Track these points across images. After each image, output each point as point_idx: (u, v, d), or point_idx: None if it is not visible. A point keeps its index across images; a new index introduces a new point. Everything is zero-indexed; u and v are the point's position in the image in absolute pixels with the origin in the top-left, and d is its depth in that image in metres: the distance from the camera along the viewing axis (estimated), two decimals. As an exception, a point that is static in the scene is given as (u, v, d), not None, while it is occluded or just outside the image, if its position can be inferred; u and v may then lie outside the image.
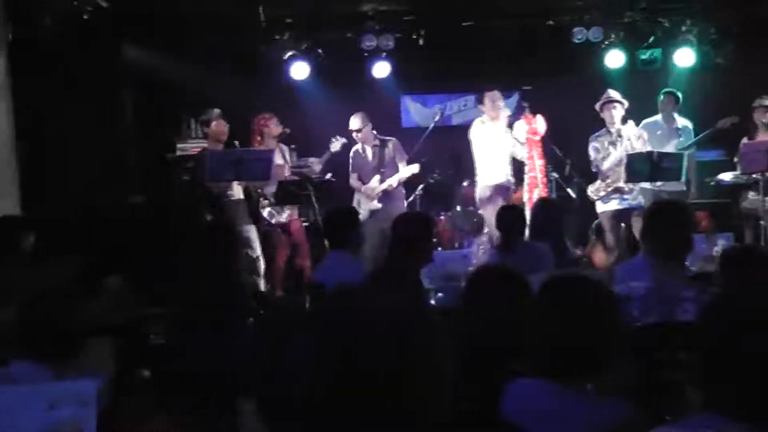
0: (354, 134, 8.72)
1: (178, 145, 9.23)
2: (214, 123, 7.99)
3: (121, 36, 8.91)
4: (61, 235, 6.05)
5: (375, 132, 8.79)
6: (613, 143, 8.02)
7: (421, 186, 9.41)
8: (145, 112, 9.23)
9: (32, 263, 5.69)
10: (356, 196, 8.82)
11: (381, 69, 9.85)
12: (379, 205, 8.64)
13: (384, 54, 9.75)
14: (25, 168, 7.60)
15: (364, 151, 8.81)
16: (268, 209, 8.45)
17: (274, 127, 8.52)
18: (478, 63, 10.08)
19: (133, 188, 8.91)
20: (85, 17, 8.10)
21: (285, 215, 8.58)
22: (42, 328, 3.68)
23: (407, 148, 8.96)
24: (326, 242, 6.27)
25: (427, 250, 5.13)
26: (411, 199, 9.38)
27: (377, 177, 8.67)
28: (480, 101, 8.60)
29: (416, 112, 11.03)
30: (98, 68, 8.36)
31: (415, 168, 8.73)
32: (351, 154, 8.86)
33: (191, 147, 9.03)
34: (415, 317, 1.57)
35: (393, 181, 8.66)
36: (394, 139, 8.87)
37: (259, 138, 8.51)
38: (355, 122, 8.68)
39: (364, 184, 8.73)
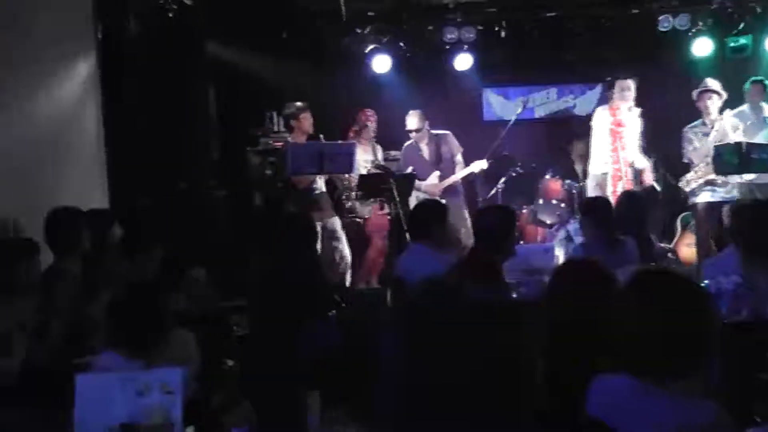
0: (412, 134, 8.63)
1: (261, 140, 9.33)
2: (300, 116, 8.06)
3: (204, 32, 9.05)
4: (148, 228, 6.16)
5: (429, 127, 8.67)
6: (707, 134, 7.81)
7: (502, 179, 9.31)
8: (229, 107, 9.35)
9: (120, 256, 5.82)
10: (414, 194, 8.51)
11: (462, 61, 9.79)
12: (443, 202, 8.54)
13: (465, 46, 9.68)
14: (113, 162, 7.78)
15: (418, 146, 8.68)
16: (350, 202, 8.49)
17: (370, 124, 8.57)
18: (560, 54, 9.95)
19: (217, 182, 9.05)
20: (170, 15, 8.26)
21: (367, 209, 8.60)
22: (130, 319, 3.77)
23: (488, 141, 8.88)
24: (407, 235, 6.26)
25: (510, 243, 5.08)
26: (492, 192, 9.30)
27: (436, 173, 8.55)
28: (610, 87, 8.44)
29: (498, 104, 10.93)
30: (183, 64, 8.50)
31: (483, 164, 8.59)
32: (403, 149, 8.75)
33: (274, 141, 9.12)
34: (504, 310, 1.54)
35: (458, 177, 8.58)
36: (448, 132, 8.75)
37: (354, 130, 8.55)
38: (413, 121, 8.57)
39: (419, 180, 8.58)
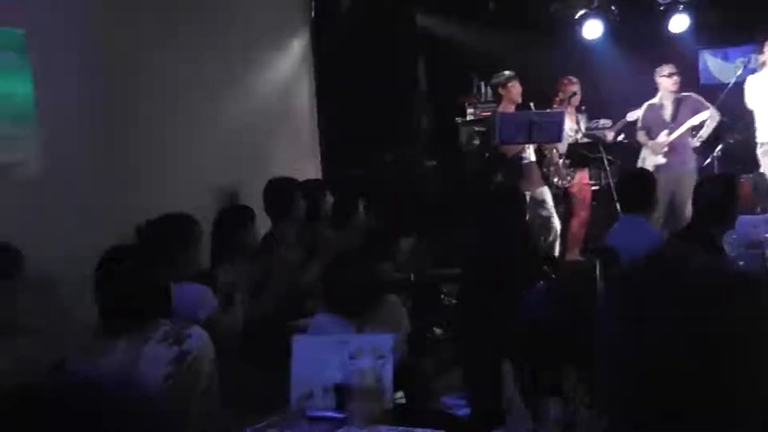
0: (663, 79, 8.33)
1: (469, 109, 9.33)
2: (509, 85, 8.01)
3: (414, 4, 9.12)
4: (359, 198, 6.30)
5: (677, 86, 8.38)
6: None
7: (719, 147, 8.84)
8: (437, 77, 9.40)
9: (332, 225, 5.99)
10: (642, 152, 8.42)
11: (678, 23, 9.31)
12: (664, 160, 8.23)
13: (681, 6, 9.21)
14: (325, 134, 8.03)
15: (661, 105, 8.39)
16: (558, 171, 8.34)
17: (573, 93, 8.41)
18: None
19: (426, 153, 9.14)
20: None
21: (575, 178, 8.44)
22: (343, 286, 3.87)
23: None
24: (618, 206, 6.09)
25: (731, 215, 4.82)
26: (708, 160, 8.85)
27: (665, 131, 8.27)
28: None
29: (716, 67, 10.34)
30: (393, 37, 8.62)
31: (704, 114, 8.21)
32: (644, 107, 8.46)
33: (482, 111, 9.10)
34: (736, 285, 1.43)
35: (682, 130, 8.22)
36: (693, 94, 8.40)
37: (558, 99, 8.43)
38: (666, 68, 8.32)
39: (651, 139, 8.34)
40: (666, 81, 8.32)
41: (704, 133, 8.36)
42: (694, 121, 8.23)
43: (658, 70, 8.37)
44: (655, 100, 8.41)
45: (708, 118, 8.25)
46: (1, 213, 3.84)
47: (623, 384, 1.43)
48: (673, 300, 1.38)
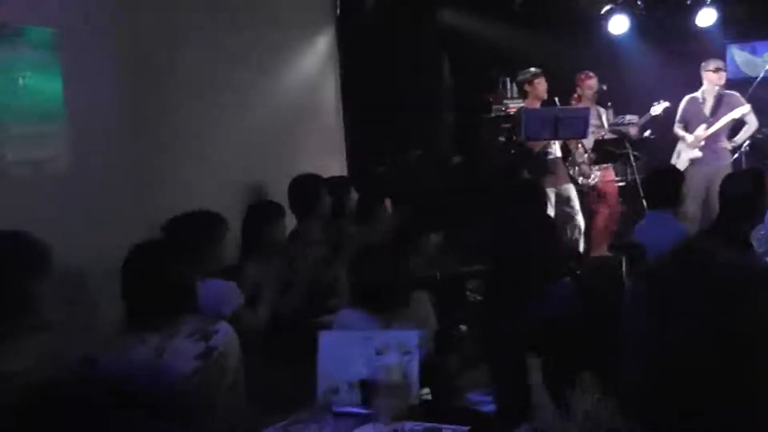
0: (709, 74, 8.27)
1: (494, 106, 9.31)
2: (535, 82, 7.99)
3: (439, 2, 9.11)
4: (384, 194, 6.31)
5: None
6: None
7: (747, 142, 8.76)
8: (462, 74, 9.38)
9: (357, 221, 6.00)
10: (678, 146, 8.42)
11: (706, 17, 9.23)
12: (700, 154, 8.19)
13: (708, 0, 9.15)
14: (350, 130, 8.04)
15: (703, 99, 8.34)
16: (580, 168, 8.30)
17: (591, 87, 8.37)
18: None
19: (451, 149, 9.13)
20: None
21: (600, 174, 8.39)
22: (369, 282, 3.88)
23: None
24: (644, 202, 6.06)
25: (759, 210, 4.78)
26: (736, 155, 8.78)
27: (703, 126, 8.20)
28: None
29: (743, 61, 10.24)
30: (418, 34, 8.61)
31: (744, 109, 8.16)
32: (685, 101, 8.42)
33: (507, 107, 9.07)
34: (765, 278, 1.41)
35: (721, 124, 8.16)
36: (735, 93, 8.35)
37: (576, 95, 8.40)
38: (712, 62, 8.29)
39: (688, 132, 8.29)
40: (712, 76, 8.28)
41: (741, 137, 8.31)
42: (734, 114, 8.18)
43: (703, 64, 8.35)
44: (697, 94, 8.38)
45: (746, 115, 8.19)
46: (30, 208, 3.88)
47: (647, 380, 1.42)
48: (699, 296, 1.37)
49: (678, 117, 8.42)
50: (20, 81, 4.06)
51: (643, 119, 8.51)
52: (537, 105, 7.94)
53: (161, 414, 2.63)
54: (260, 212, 4.95)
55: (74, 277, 3.82)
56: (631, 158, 8.05)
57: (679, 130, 8.42)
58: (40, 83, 4.17)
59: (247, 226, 4.82)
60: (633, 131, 8.43)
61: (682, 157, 8.23)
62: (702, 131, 8.20)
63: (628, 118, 8.69)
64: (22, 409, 1.31)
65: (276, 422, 3.14)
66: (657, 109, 8.43)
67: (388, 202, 6.20)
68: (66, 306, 2.51)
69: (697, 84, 8.44)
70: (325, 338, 3.42)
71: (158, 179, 5.06)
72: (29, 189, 4.06)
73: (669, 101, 8.53)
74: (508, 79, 9.36)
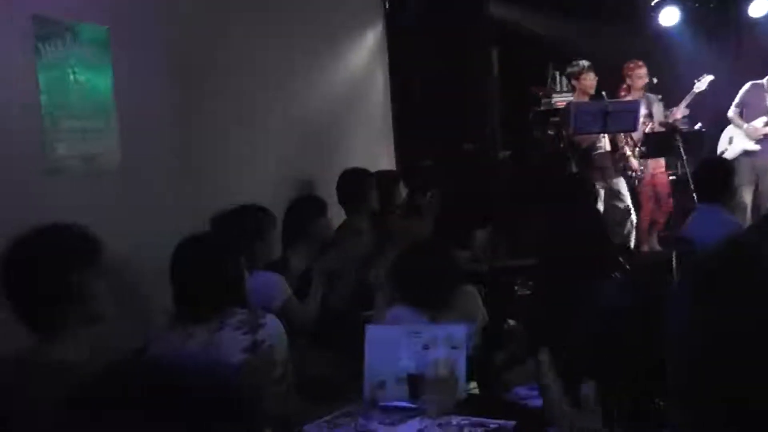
0: None
1: (543, 100, 9.24)
2: (582, 76, 7.91)
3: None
4: (432, 188, 6.30)
5: None
6: None
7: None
8: (511, 67, 9.32)
9: (406, 216, 6.00)
10: (729, 131, 8.20)
11: (759, 8, 9.04)
12: (758, 147, 8.00)
13: (764, -10, 8.96)
14: (399, 125, 8.03)
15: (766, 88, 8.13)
16: (633, 161, 8.18)
17: (640, 77, 8.22)
18: None
19: (500, 143, 9.08)
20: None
21: (650, 168, 8.26)
22: (418, 274, 3.87)
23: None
24: (695, 195, 5.97)
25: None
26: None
27: (763, 118, 8.00)
28: None
29: (798, 54, 10.02)
30: (466, 27, 8.57)
31: None
32: (748, 86, 8.20)
33: (557, 101, 8.99)
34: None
35: None
36: None
37: (625, 86, 8.27)
38: None
39: (742, 119, 8.11)
40: None
41: None
42: None
43: None
44: (762, 81, 8.15)
45: None
46: (82, 202, 3.94)
47: (692, 375, 1.40)
48: (746, 289, 1.34)
49: (736, 101, 8.20)
50: (72, 77, 4.12)
51: (687, 97, 8.25)
52: (585, 99, 7.87)
53: (212, 405, 2.64)
54: (301, 207, 4.97)
55: (125, 270, 3.87)
56: (682, 151, 7.92)
57: (735, 116, 8.21)
58: (92, 79, 4.24)
59: (288, 221, 4.84)
60: (678, 114, 8.22)
61: (735, 144, 8.03)
62: (762, 123, 7.99)
63: (674, 109, 8.50)
64: (79, 398, 1.33)
65: (323, 415, 3.15)
66: (701, 84, 8.15)
67: (436, 196, 6.19)
68: (118, 298, 2.54)
69: (748, 77, 8.25)
70: (371, 332, 3.42)
71: (206, 173, 5.10)
72: (80, 183, 4.12)
73: (717, 91, 8.30)
74: (557, 73, 9.27)
